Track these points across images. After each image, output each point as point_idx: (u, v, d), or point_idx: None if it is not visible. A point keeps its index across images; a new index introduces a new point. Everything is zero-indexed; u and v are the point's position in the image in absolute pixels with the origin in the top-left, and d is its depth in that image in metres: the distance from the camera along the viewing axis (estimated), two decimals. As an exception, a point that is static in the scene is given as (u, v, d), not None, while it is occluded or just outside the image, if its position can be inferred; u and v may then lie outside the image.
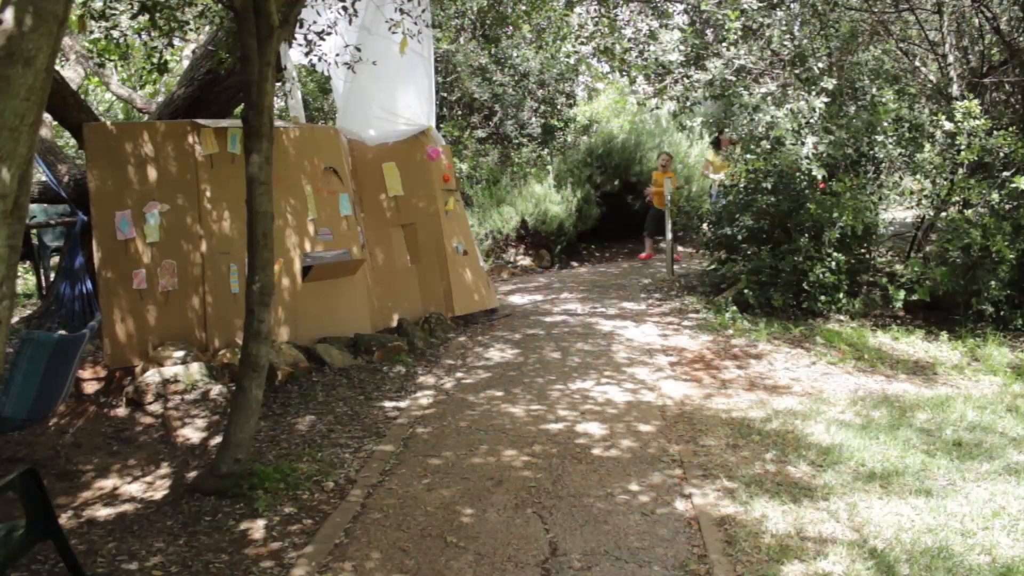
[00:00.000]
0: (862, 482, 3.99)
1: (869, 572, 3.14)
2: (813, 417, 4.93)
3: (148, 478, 4.38)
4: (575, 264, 12.49)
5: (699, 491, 3.94)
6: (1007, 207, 6.57)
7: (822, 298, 7.18)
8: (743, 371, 6.03)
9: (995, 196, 6.57)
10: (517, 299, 9.30)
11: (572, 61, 12.51)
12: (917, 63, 8.32)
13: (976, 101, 6.81)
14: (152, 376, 5.37)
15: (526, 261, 12.22)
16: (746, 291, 7.46)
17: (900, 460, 4.23)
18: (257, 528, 3.69)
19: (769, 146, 7.37)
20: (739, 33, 7.16)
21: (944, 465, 4.19)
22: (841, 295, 7.17)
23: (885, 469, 4.13)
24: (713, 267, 8.64)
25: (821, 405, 5.18)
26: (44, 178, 6.40)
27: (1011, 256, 6.29)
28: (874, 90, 7.09)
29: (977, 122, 6.63)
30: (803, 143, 6.91)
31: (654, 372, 6.03)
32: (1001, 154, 6.74)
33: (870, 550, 3.31)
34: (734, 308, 7.50)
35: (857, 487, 3.94)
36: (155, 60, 5.90)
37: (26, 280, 9.66)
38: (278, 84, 7.25)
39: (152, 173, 5.84)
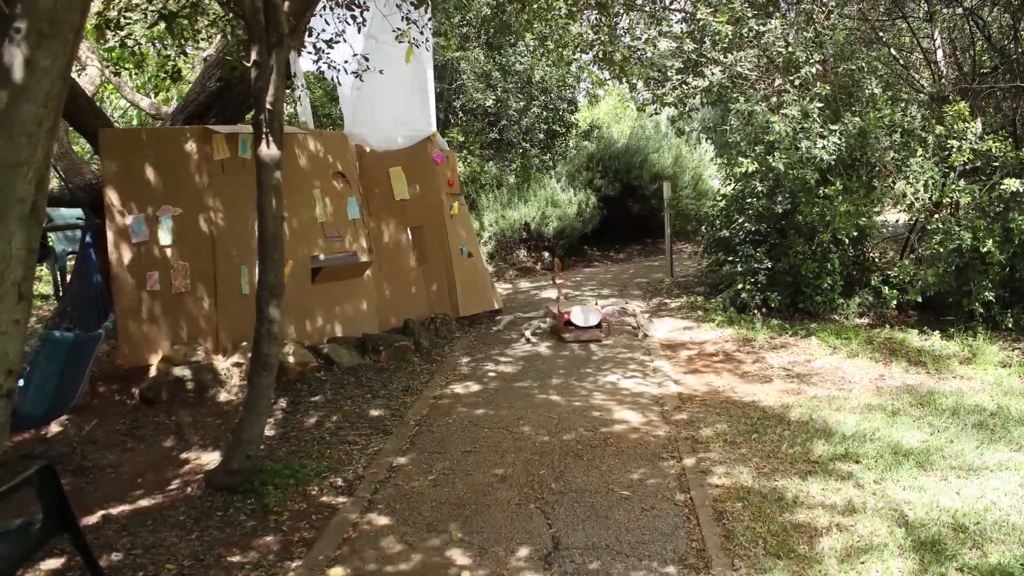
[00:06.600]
0: (857, 480, 4.09)
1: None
2: (814, 415, 5.03)
3: (162, 474, 4.50)
4: (578, 265, 12.60)
5: (702, 485, 4.04)
6: (997, 210, 6.65)
7: (818, 299, 7.29)
8: (743, 368, 6.14)
9: (986, 199, 6.66)
10: (521, 298, 9.43)
11: (574, 68, 12.65)
12: (910, 70, 8.41)
13: (965, 104, 6.90)
14: (165, 375, 5.50)
15: (530, 263, 12.35)
16: (743, 292, 7.57)
17: (902, 459, 4.32)
18: (268, 523, 3.80)
19: (765, 150, 7.47)
20: (729, 37, 7.28)
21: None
22: (837, 296, 7.28)
23: (887, 466, 4.22)
24: (711, 268, 8.76)
25: (819, 403, 5.28)
26: (60, 182, 6.55)
27: (1002, 258, 6.38)
28: (868, 92, 7.20)
29: (968, 126, 6.73)
30: (798, 147, 7.01)
31: (658, 369, 6.14)
32: (992, 158, 6.82)
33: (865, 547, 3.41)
34: (732, 309, 7.62)
35: (855, 484, 4.03)
36: (168, 68, 6.04)
37: (43, 282, 9.82)
38: (287, 91, 7.38)
39: (165, 177, 5.98)
